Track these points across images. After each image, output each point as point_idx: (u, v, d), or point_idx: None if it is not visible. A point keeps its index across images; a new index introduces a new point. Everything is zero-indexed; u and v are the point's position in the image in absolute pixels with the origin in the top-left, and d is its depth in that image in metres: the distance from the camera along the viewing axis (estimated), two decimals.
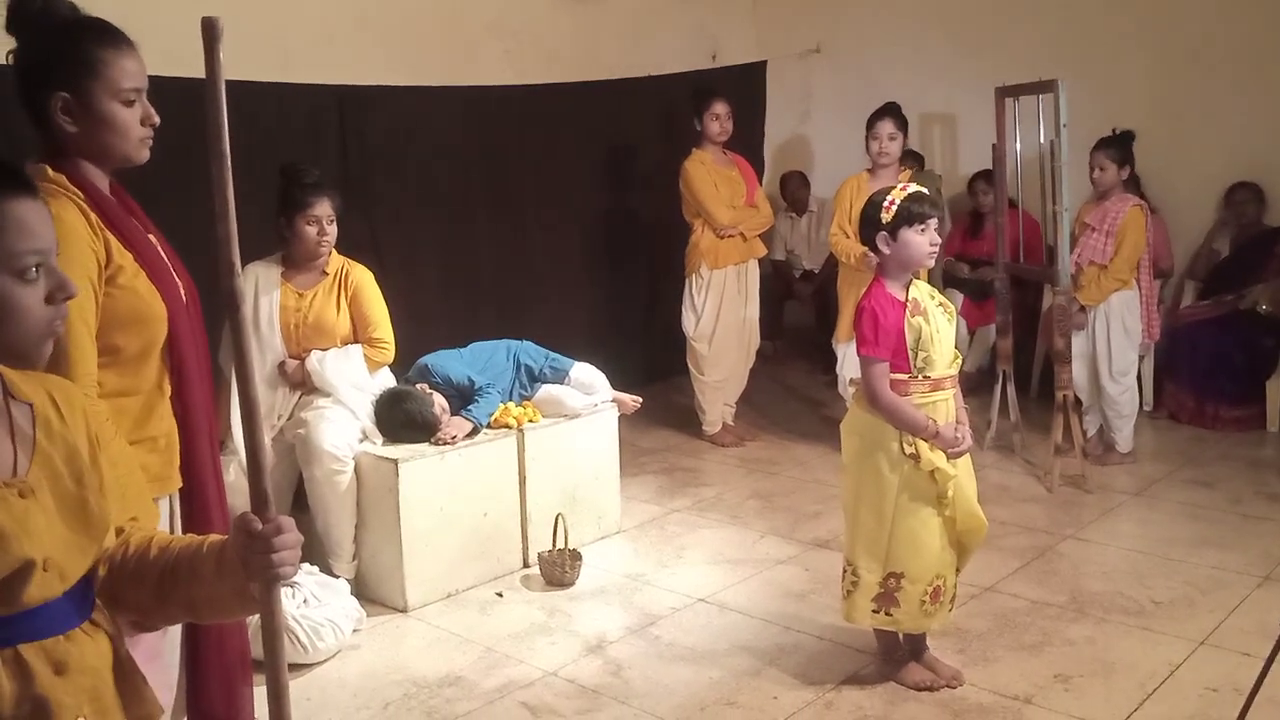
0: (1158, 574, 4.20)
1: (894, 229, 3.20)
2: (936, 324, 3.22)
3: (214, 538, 1.62)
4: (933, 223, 3.22)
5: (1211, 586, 4.06)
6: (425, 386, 4.31)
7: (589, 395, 4.69)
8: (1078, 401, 5.40)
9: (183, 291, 2.29)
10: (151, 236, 2.29)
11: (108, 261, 2.13)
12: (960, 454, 3.23)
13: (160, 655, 2.20)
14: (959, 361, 3.33)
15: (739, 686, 3.45)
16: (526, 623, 3.95)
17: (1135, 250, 5.31)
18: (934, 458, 3.17)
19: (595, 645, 3.76)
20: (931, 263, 3.33)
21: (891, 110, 5.43)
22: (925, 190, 3.28)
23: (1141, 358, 5.78)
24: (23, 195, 1.44)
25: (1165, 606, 3.92)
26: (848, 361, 5.38)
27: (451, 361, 4.47)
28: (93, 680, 1.51)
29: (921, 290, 3.27)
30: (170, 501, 2.32)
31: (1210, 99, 6.35)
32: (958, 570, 3.38)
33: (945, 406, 3.24)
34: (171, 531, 2.30)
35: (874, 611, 3.30)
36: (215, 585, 1.58)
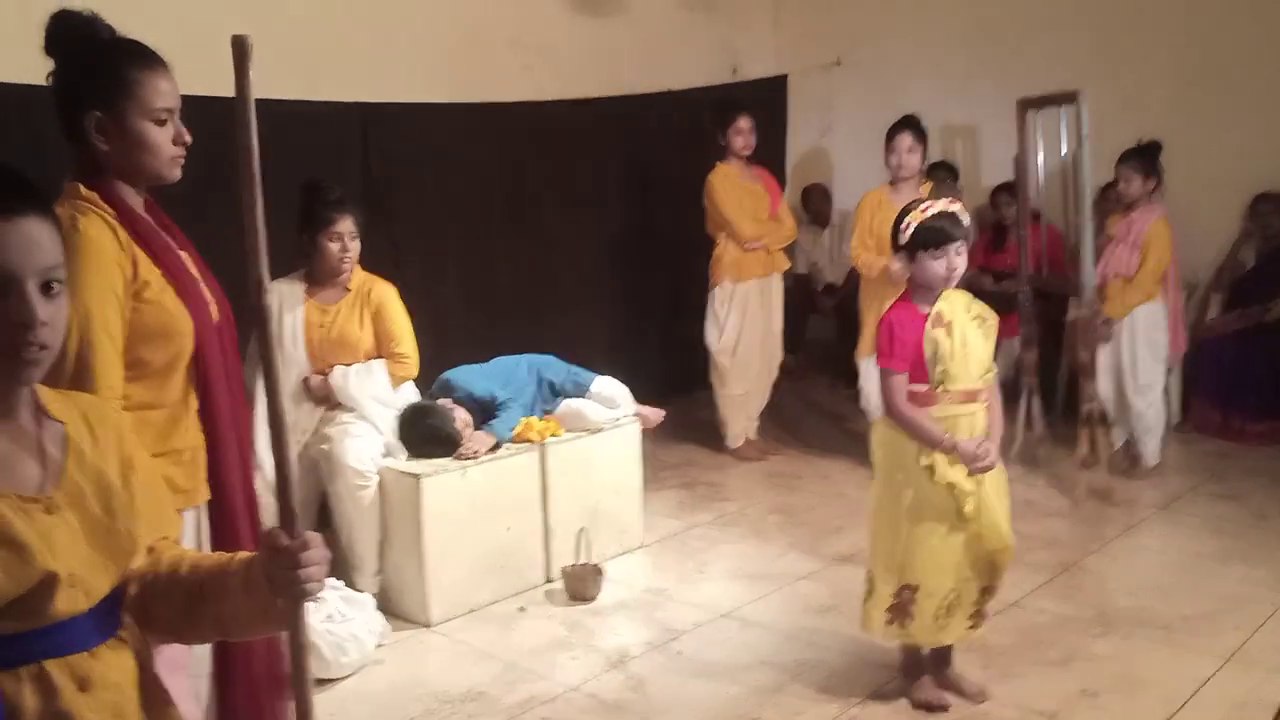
0: (1184, 589, 4.17)
1: (910, 251, 3.19)
2: (963, 337, 3.18)
3: (242, 555, 1.63)
4: (953, 247, 3.14)
5: (1238, 601, 4.03)
6: (448, 402, 4.32)
7: (611, 409, 4.69)
8: (1103, 415, 5.37)
9: (213, 307, 2.32)
10: (184, 253, 2.33)
11: (134, 276, 2.17)
12: (982, 469, 3.17)
13: (184, 667, 2.21)
14: (991, 375, 3.27)
15: (761, 702, 3.44)
16: (549, 638, 3.95)
17: (1160, 262, 5.28)
18: (950, 472, 3.15)
19: (617, 660, 3.75)
20: (951, 286, 3.25)
21: (910, 123, 5.42)
22: (951, 211, 3.18)
23: (1168, 371, 5.74)
24: (11, 215, 1.40)
25: (1192, 621, 3.88)
26: (872, 375, 5.36)
27: (474, 376, 4.49)
28: (116, 697, 1.51)
29: (954, 303, 3.22)
30: (198, 514, 2.34)
31: (1233, 110, 6.31)
32: (991, 589, 3.33)
33: (970, 421, 3.21)
34: (199, 544, 2.32)
35: (888, 623, 3.30)
36: (243, 602, 1.58)
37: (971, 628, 3.36)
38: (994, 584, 3.33)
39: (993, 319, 3.29)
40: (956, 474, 3.16)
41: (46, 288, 1.43)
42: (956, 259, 3.17)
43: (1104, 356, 5.35)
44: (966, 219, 3.20)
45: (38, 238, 1.43)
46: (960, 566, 3.24)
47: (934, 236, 3.14)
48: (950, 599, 3.26)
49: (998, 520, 3.25)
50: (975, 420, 3.23)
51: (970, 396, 3.23)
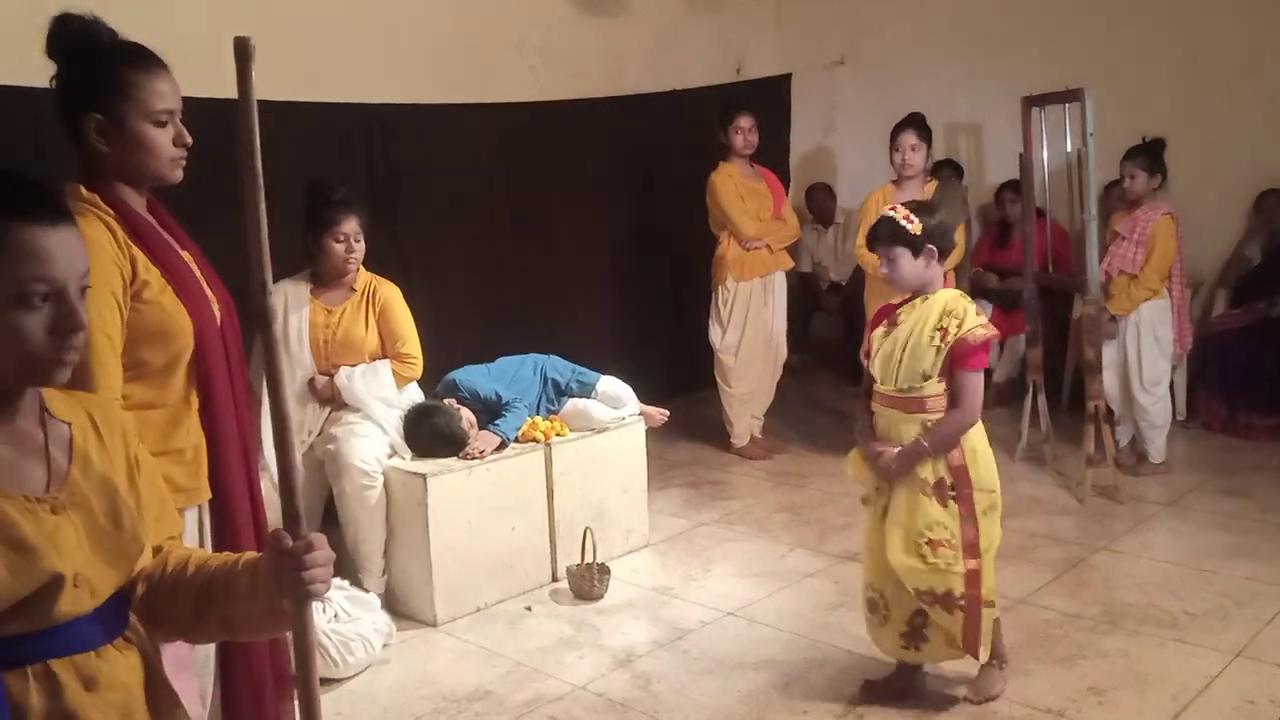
0: (1191, 585, 4.16)
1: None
2: (903, 343, 3.18)
3: (249, 555, 1.64)
4: (886, 251, 3.18)
5: (1246, 598, 4.02)
6: (453, 401, 4.33)
7: (616, 409, 4.69)
8: (1109, 412, 5.36)
9: (216, 307, 2.33)
10: (186, 253, 2.34)
11: (133, 277, 2.18)
12: (879, 470, 3.19)
13: (189, 666, 2.22)
14: (919, 389, 3.13)
15: (768, 700, 3.44)
16: (555, 637, 3.96)
17: (1165, 259, 5.27)
18: (855, 465, 3.27)
19: (624, 659, 3.76)
20: (895, 287, 3.27)
21: (914, 121, 5.42)
22: (889, 216, 3.20)
23: (1174, 367, 5.73)
24: (45, 222, 1.42)
25: (1199, 618, 3.88)
26: None
27: (479, 376, 4.49)
28: (123, 697, 1.51)
29: (924, 308, 3.18)
30: (199, 513, 2.34)
31: (1237, 106, 6.30)
32: (922, 613, 3.20)
33: (893, 428, 3.21)
34: (201, 543, 2.32)
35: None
36: (249, 603, 1.59)
37: (904, 648, 3.29)
38: (921, 607, 3.19)
39: (951, 338, 3.10)
40: (861, 471, 3.26)
41: (80, 293, 1.47)
42: (888, 263, 3.20)
43: (1109, 353, 5.34)
44: (912, 226, 3.14)
45: (76, 245, 1.47)
46: (879, 566, 3.24)
47: (869, 238, 3.30)
48: (872, 596, 3.30)
49: (890, 539, 3.18)
50: (901, 429, 3.19)
51: (889, 402, 3.21)
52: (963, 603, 3.16)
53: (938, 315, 3.16)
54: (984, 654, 3.24)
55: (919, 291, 3.23)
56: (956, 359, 3.12)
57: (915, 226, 3.15)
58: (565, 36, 6.45)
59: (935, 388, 3.14)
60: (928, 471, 3.15)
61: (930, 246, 3.16)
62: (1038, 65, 6.42)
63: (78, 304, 1.45)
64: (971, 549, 3.14)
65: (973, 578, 3.14)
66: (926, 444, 3.12)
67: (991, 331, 3.16)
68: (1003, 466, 5.55)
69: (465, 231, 5.92)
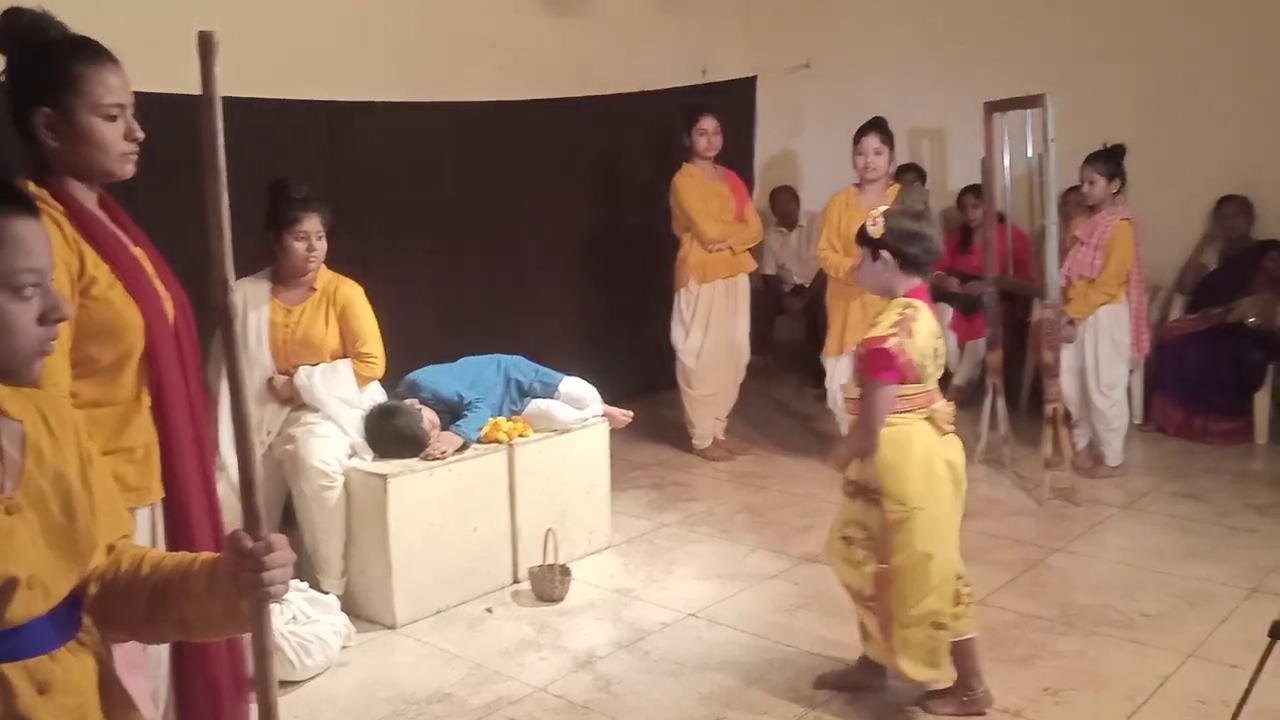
0: (1146, 587, 4.21)
1: None
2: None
3: (206, 556, 1.62)
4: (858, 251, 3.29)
5: (1200, 599, 4.08)
6: (415, 402, 4.30)
7: (579, 409, 4.69)
8: (1067, 414, 5.42)
9: (168, 304, 2.30)
10: (139, 250, 2.30)
11: (81, 273, 2.15)
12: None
13: (141, 666, 2.19)
14: (855, 391, 3.24)
15: (729, 702, 3.45)
16: (516, 639, 3.94)
17: (1123, 264, 5.33)
18: None
19: (585, 661, 3.75)
20: (859, 286, 3.37)
21: (877, 125, 5.45)
22: (872, 213, 3.25)
23: (1131, 371, 5.80)
24: (24, 215, 1.46)
25: (1154, 619, 3.93)
26: (837, 375, 5.40)
27: (441, 377, 4.47)
28: (77, 700, 1.50)
29: (882, 311, 3.24)
30: (152, 512, 2.32)
31: (1197, 113, 6.39)
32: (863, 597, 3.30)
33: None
34: (154, 543, 2.30)
35: None
36: (206, 604, 1.57)
37: (861, 638, 3.38)
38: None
39: (867, 342, 3.15)
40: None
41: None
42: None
43: (1067, 357, 5.40)
44: (873, 229, 3.18)
45: (48, 238, 1.50)
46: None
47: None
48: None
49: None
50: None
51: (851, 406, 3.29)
52: (873, 604, 3.20)
53: (882, 316, 3.19)
54: (917, 671, 3.20)
55: (884, 295, 3.25)
56: (858, 364, 3.18)
57: (876, 230, 3.17)
58: (532, 36, 6.44)
59: (853, 392, 3.22)
60: (853, 472, 3.20)
61: (884, 253, 3.17)
62: (1000, 71, 6.48)
63: (59, 295, 1.48)
64: (882, 554, 3.15)
65: (882, 582, 3.15)
66: (843, 446, 3.21)
67: (890, 341, 3.06)
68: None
69: (429, 230, 5.89)
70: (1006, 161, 5.68)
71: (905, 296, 3.18)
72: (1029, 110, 5.37)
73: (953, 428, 3.24)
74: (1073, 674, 3.54)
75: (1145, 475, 5.55)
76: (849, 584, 3.29)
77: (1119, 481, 5.45)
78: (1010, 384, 6.01)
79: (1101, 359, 5.42)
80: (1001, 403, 5.65)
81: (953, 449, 3.23)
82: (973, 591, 3.30)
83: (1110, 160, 5.37)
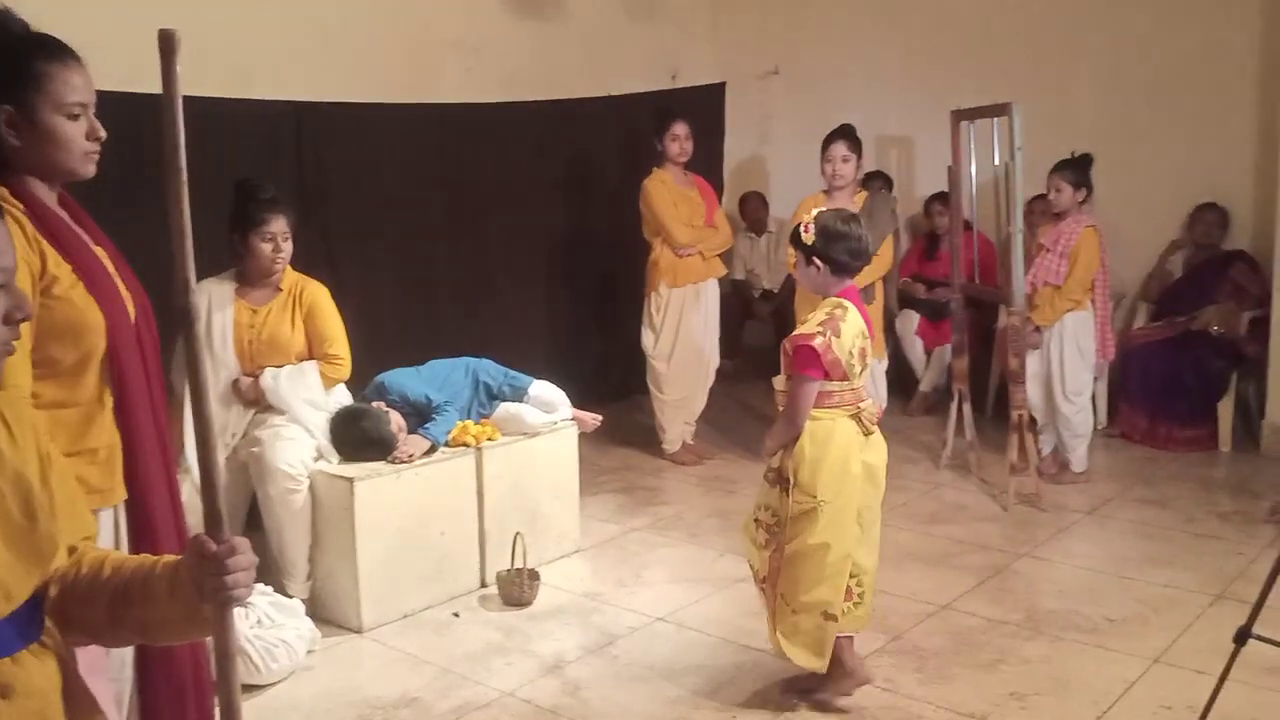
0: (1112, 592, 4.24)
1: None
2: None
3: (168, 558, 1.60)
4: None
5: (1164, 605, 4.11)
6: (382, 404, 4.27)
7: (548, 413, 4.67)
8: (1033, 421, 5.46)
9: (130, 304, 2.28)
10: (100, 249, 2.28)
11: (43, 272, 2.13)
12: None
13: (104, 670, 2.15)
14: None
15: (697, 705, 3.44)
16: (483, 643, 3.92)
17: (1088, 271, 5.38)
18: None
19: (553, 665, 3.74)
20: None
21: (845, 132, 5.48)
22: (803, 218, 3.37)
23: (1096, 378, 5.84)
24: None
25: (1119, 624, 3.96)
26: None
27: (409, 379, 4.44)
28: (40, 704, 1.48)
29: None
30: (115, 514, 2.29)
31: (1161, 123, 6.45)
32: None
33: None
34: (117, 544, 2.27)
35: None
36: (168, 607, 1.55)
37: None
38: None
39: (795, 339, 3.28)
40: None
41: None
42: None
43: (1033, 363, 5.44)
44: (806, 235, 3.29)
45: (11, 236, 1.50)
46: None
47: None
48: None
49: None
50: None
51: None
52: (764, 587, 3.39)
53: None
54: (802, 658, 3.32)
55: (819, 295, 3.39)
56: (785, 359, 3.31)
57: (808, 236, 3.30)
58: (500, 38, 6.43)
59: (782, 385, 3.34)
60: (776, 460, 3.33)
61: (815, 259, 3.30)
62: (967, 80, 6.54)
63: (22, 294, 1.48)
64: (781, 540, 3.28)
65: (776, 566, 3.31)
66: (767, 438, 3.37)
67: (816, 340, 3.17)
68: (928, 474, 5.68)
69: (396, 232, 5.86)
70: (973, 169, 5.72)
71: (836, 296, 3.32)
72: (995, 119, 5.41)
73: (876, 429, 3.35)
74: (1038, 679, 3.56)
75: (1110, 481, 5.59)
76: (751, 564, 3.46)
77: (1084, 487, 5.49)
78: (976, 390, 6.04)
79: (1067, 365, 5.46)
80: (968, 409, 5.68)
81: (875, 450, 3.36)
82: (865, 591, 3.36)
83: (1077, 169, 5.41)
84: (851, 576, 3.31)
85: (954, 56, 7.01)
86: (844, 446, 3.25)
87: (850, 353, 3.23)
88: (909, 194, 7.38)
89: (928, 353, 6.95)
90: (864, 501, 3.31)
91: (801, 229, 3.31)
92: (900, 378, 6.84)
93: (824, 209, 3.43)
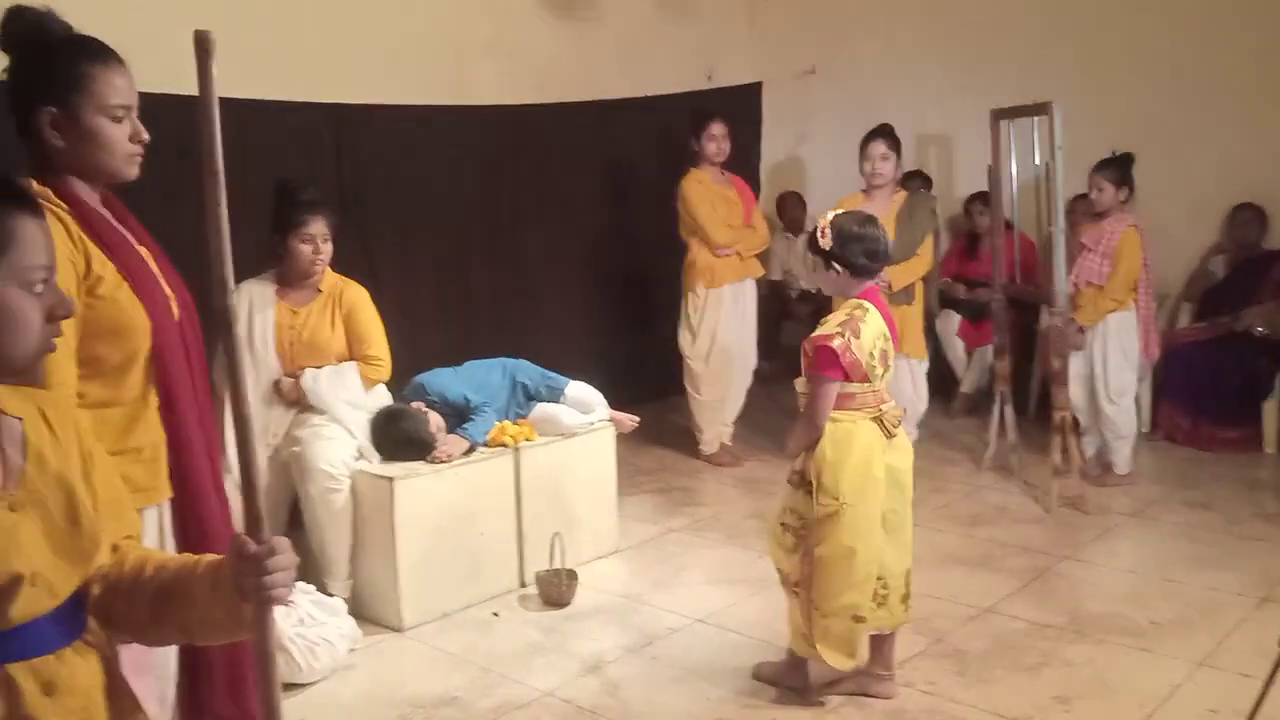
0: (1156, 595, 4.19)
1: None
2: None
3: (209, 558, 1.61)
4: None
5: (1210, 607, 4.05)
6: (421, 405, 4.29)
7: (585, 414, 4.67)
8: (1075, 422, 5.40)
9: (174, 304, 2.29)
10: (143, 249, 2.29)
11: (87, 272, 2.14)
12: None
13: (148, 669, 2.18)
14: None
15: (738, 708, 3.43)
16: (523, 642, 3.93)
17: (1130, 272, 5.31)
18: None
19: (593, 666, 3.73)
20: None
21: (884, 131, 5.44)
22: (818, 224, 3.36)
23: (1140, 379, 5.77)
24: (31, 213, 1.47)
25: (1164, 627, 3.90)
26: None
27: (447, 380, 4.46)
28: (83, 701, 1.49)
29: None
30: (160, 513, 2.30)
31: (1205, 121, 6.36)
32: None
33: None
34: (161, 543, 2.29)
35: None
36: (209, 607, 1.56)
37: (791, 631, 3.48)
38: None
39: (814, 339, 3.28)
40: None
41: None
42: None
43: (1076, 364, 5.38)
44: (823, 240, 3.30)
45: (51, 234, 1.51)
46: None
47: None
48: None
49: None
50: None
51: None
52: (798, 591, 3.34)
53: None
54: (834, 659, 3.33)
55: (841, 297, 3.39)
56: (804, 360, 3.31)
57: (825, 241, 3.30)
58: (536, 40, 6.44)
59: (803, 387, 3.33)
60: (798, 463, 3.33)
61: (833, 262, 3.30)
62: (1007, 79, 6.47)
63: (63, 291, 1.50)
64: (810, 544, 3.26)
65: (807, 571, 3.28)
66: (789, 439, 3.36)
67: (835, 340, 3.18)
68: (970, 476, 5.63)
69: (434, 234, 5.89)
70: (1014, 169, 5.66)
71: (857, 298, 3.32)
72: (1036, 118, 5.36)
73: (899, 431, 3.34)
74: (1082, 682, 3.52)
75: (1154, 483, 5.52)
76: (780, 568, 3.44)
77: (1127, 489, 5.42)
78: (1018, 392, 5.99)
79: (1111, 366, 5.39)
80: (1010, 410, 5.63)
81: (899, 453, 3.35)
82: (890, 593, 3.35)
83: (1119, 168, 5.35)
84: (878, 579, 3.30)
85: (994, 55, 6.95)
86: (865, 449, 3.24)
87: (871, 354, 3.22)
88: (949, 193, 7.31)
89: (969, 353, 6.89)
90: (889, 504, 3.31)
91: (818, 233, 3.31)
92: (941, 379, 6.78)
93: (840, 211, 3.42)
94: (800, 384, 3.35)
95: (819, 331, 3.27)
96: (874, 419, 3.27)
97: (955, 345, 6.94)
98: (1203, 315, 6.33)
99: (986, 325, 6.38)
